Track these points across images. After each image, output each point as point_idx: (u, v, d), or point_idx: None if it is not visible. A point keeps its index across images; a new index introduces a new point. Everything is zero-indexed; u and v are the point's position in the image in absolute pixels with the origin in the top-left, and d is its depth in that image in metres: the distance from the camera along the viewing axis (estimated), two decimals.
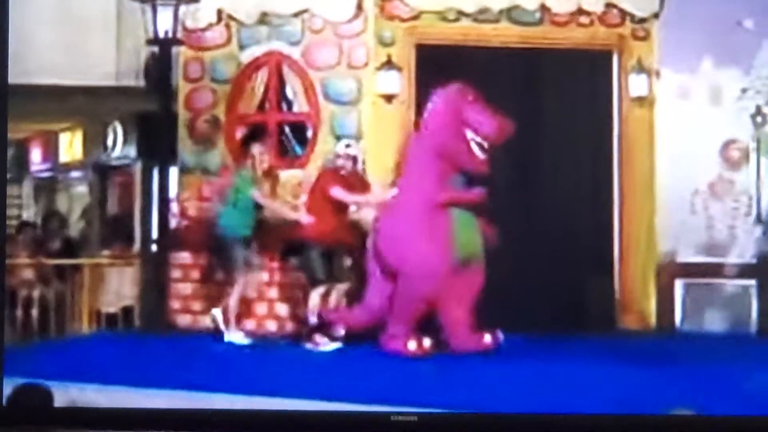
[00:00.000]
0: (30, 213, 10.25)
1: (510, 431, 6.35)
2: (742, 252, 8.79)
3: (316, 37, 8.78)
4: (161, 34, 8.64)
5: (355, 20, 8.70)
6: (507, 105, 8.06)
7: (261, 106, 8.97)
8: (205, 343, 8.35)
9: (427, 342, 7.89)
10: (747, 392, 6.79)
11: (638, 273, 8.90)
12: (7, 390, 6.32)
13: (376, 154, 8.48)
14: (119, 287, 9.16)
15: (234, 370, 7.67)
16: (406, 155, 8.17)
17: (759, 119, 8.77)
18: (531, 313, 8.24)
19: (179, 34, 8.76)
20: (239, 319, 8.45)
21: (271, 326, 8.70)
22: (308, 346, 8.17)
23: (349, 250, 8.30)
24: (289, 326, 8.61)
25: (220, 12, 8.98)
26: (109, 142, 9.90)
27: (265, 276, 8.62)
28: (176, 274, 8.90)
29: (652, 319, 8.88)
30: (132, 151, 9.59)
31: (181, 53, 8.99)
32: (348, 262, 8.33)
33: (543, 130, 8.67)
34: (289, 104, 8.98)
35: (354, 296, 8.24)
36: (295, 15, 8.79)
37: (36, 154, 10.72)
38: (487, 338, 7.97)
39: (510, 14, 8.76)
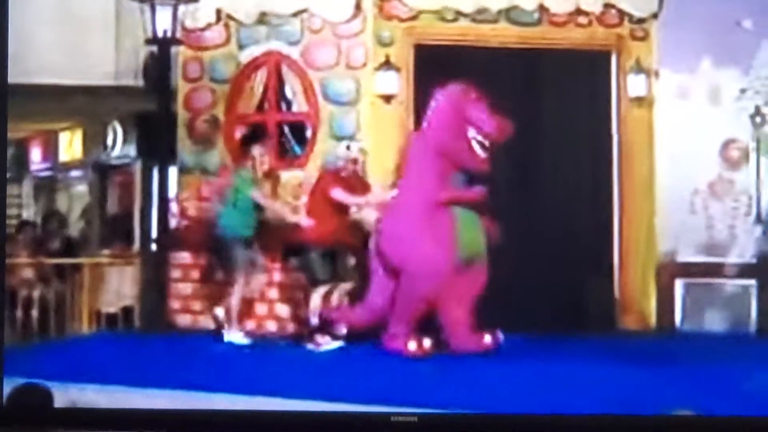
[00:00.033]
0: (30, 212, 10.25)
1: (510, 431, 6.35)
2: (742, 252, 8.78)
3: (315, 37, 8.77)
4: (160, 34, 8.64)
5: (353, 20, 8.70)
6: (506, 105, 8.04)
7: (260, 106, 8.97)
8: (205, 343, 8.35)
9: (427, 342, 7.88)
10: (747, 392, 6.78)
11: (638, 273, 8.90)
12: (7, 390, 6.32)
13: (375, 155, 8.47)
14: (119, 287, 9.16)
15: (234, 370, 7.67)
16: (408, 154, 8.18)
17: (758, 119, 8.76)
18: (531, 313, 8.24)
19: (178, 34, 8.76)
20: (240, 319, 8.45)
21: (272, 326, 8.69)
22: (309, 346, 8.17)
23: (351, 250, 8.30)
24: (290, 327, 8.61)
25: (219, 12, 8.98)
26: (109, 141, 9.90)
27: (265, 276, 8.62)
28: (176, 273, 8.90)
29: (652, 319, 8.87)
30: (131, 150, 9.60)
31: (181, 53, 8.99)
32: (351, 262, 8.34)
33: (542, 130, 8.66)
34: (288, 104, 8.98)
35: (356, 296, 8.24)
36: (294, 15, 8.79)
37: (36, 154, 10.73)
38: (487, 338, 7.97)
39: (508, 14, 8.75)
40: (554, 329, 8.14)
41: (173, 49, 8.77)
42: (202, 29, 8.98)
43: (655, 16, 8.81)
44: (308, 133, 8.84)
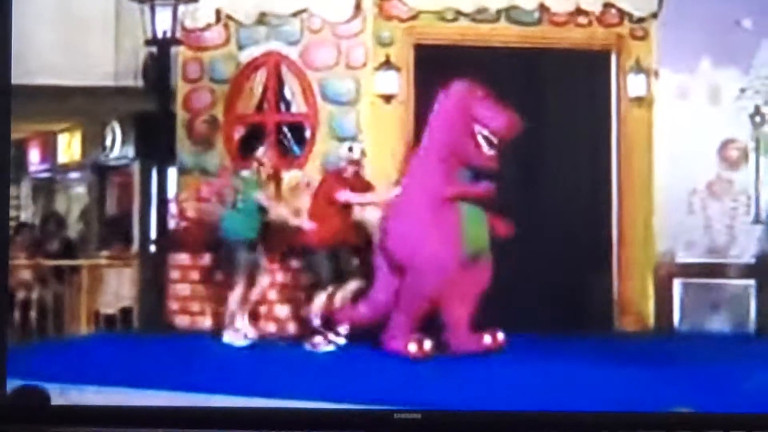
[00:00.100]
0: (28, 214, 10.21)
1: (513, 429, 6.35)
2: (741, 252, 8.78)
3: (315, 37, 8.78)
4: (160, 35, 8.64)
5: (353, 20, 8.70)
6: (505, 105, 8.07)
7: (259, 107, 8.97)
8: (205, 344, 8.35)
9: (427, 344, 7.89)
10: (746, 392, 6.79)
11: (636, 273, 8.90)
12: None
13: (374, 155, 8.48)
14: (118, 288, 9.14)
15: (233, 371, 7.67)
16: (413, 152, 8.19)
17: (758, 119, 8.77)
18: (528, 313, 8.24)
19: (178, 34, 8.76)
20: (241, 320, 8.44)
21: (271, 328, 8.69)
22: (308, 346, 8.17)
23: (354, 250, 8.31)
24: (290, 327, 8.61)
25: (218, 12, 8.97)
26: (108, 142, 9.88)
27: (268, 278, 8.61)
28: (175, 274, 8.89)
29: (651, 320, 8.87)
30: (130, 151, 9.58)
31: (180, 53, 8.97)
32: (354, 262, 8.34)
33: (541, 130, 8.65)
34: (288, 105, 8.98)
35: (360, 295, 8.23)
36: (294, 15, 8.79)
37: (34, 155, 10.69)
38: (487, 339, 7.98)
39: (508, 14, 8.76)
40: (552, 329, 8.14)
41: (173, 50, 8.77)
42: (202, 29, 8.97)
43: (654, 15, 8.82)
44: (307, 134, 8.85)
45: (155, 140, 8.83)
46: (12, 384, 6.48)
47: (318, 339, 8.17)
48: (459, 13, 8.71)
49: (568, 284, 8.58)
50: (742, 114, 8.74)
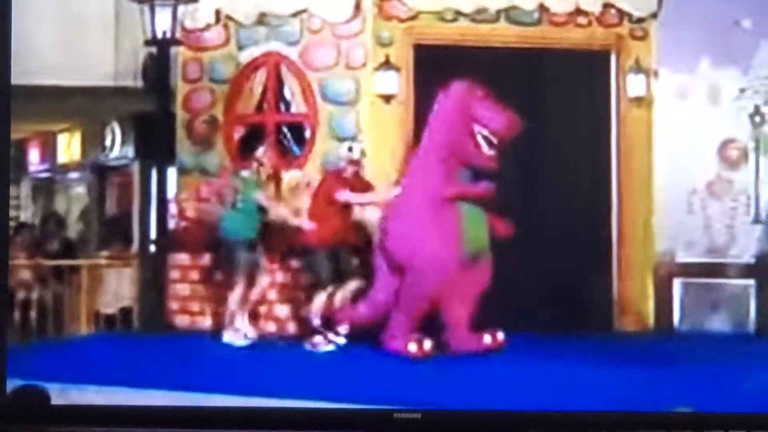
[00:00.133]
0: (28, 214, 10.21)
1: (513, 429, 6.35)
2: (741, 252, 8.79)
3: (315, 38, 8.78)
4: (159, 35, 8.64)
5: (353, 20, 8.70)
6: (505, 105, 8.07)
7: (259, 107, 8.97)
8: (204, 344, 8.35)
9: (427, 344, 7.89)
10: (746, 392, 6.79)
11: (636, 273, 8.90)
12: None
13: (374, 155, 8.48)
14: (117, 288, 9.14)
15: (233, 371, 7.66)
16: (413, 152, 8.19)
17: (757, 119, 8.77)
18: (528, 313, 8.24)
19: (178, 35, 8.76)
20: (240, 320, 8.45)
21: (271, 328, 8.69)
22: (308, 346, 8.17)
23: (354, 250, 8.31)
24: (290, 327, 8.61)
25: (218, 12, 8.97)
26: (108, 142, 9.88)
27: (268, 279, 8.61)
28: (175, 274, 8.89)
29: (650, 320, 8.87)
30: (130, 151, 9.58)
31: (180, 53, 8.97)
32: (354, 262, 8.34)
33: (541, 130, 8.65)
34: (287, 105, 8.98)
35: (360, 296, 8.23)
36: (294, 15, 8.80)
37: (34, 155, 10.69)
38: (487, 339, 7.98)
39: (508, 14, 8.76)
40: (552, 329, 8.14)
41: (173, 50, 8.77)
42: (202, 30, 8.97)
43: (654, 15, 8.82)
44: (307, 134, 8.85)
45: (155, 140, 8.83)
46: (12, 384, 6.48)
47: (318, 339, 8.17)
48: (458, 14, 8.71)
49: (568, 284, 8.58)
50: (741, 114, 8.74)
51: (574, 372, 7.27)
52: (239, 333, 8.38)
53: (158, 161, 8.81)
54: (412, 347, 7.86)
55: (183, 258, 8.92)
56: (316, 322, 8.19)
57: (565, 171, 8.80)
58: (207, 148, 9.03)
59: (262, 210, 8.45)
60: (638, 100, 8.88)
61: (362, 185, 8.32)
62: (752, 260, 8.73)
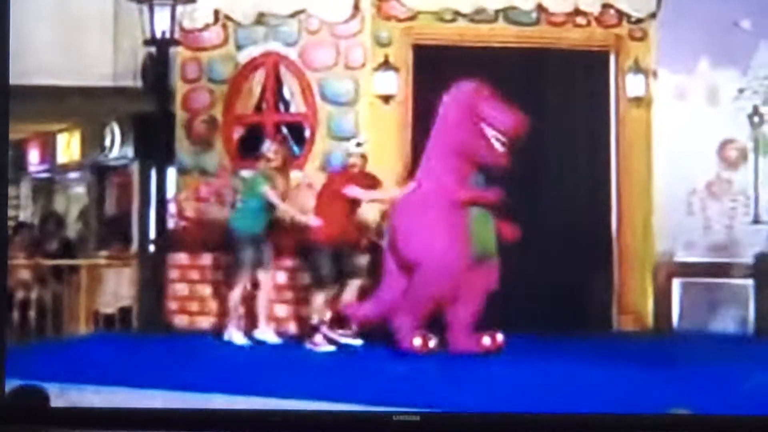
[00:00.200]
0: (27, 214, 10.24)
1: (512, 430, 6.34)
2: (740, 252, 8.79)
3: (313, 38, 8.78)
4: (158, 35, 8.64)
5: (352, 21, 8.70)
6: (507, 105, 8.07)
7: (258, 107, 8.97)
8: (204, 344, 8.35)
9: (432, 342, 7.90)
10: (745, 392, 6.78)
11: (636, 273, 8.91)
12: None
13: (374, 155, 8.46)
14: (117, 288, 9.15)
15: (234, 371, 7.65)
16: (422, 152, 8.16)
17: (756, 119, 8.77)
18: (528, 313, 8.25)
19: (176, 35, 8.75)
20: (240, 319, 8.46)
21: (271, 327, 8.68)
22: (308, 346, 8.17)
23: (360, 248, 8.30)
24: (290, 327, 8.61)
25: (217, 12, 8.98)
26: (107, 142, 9.90)
27: (268, 277, 8.59)
28: (174, 274, 8.89)
29: (650, 320, 8.88)
30: (129, 151, 9.60)
31: (179, 54, 8.98)
32: (361, 260, 8.33)
33: (540, 131, 8.64)
34: (287, 105, 8.98)
35: (367, 293, 8.23)
36: (292, 15, 8.79)
37: (33, 155, 10.72)
38: (486, 340, 7.97)
39: (506, 14, 8.76)
40: (552, 330, 8.14)
41: (171, 50, 8.76)
42: (200, 30, 8.98)
43: (653, 16, 8.83)
44: (306, 134, 8.84)
45: (154, 140, 8.83)
46: (11, 384, 6.47)
47: (318, 339, 8.16)
48: (457, 14, 8.71)
49: (568, 285, 8.59)
50: (740, 114, 8.75)
51: (574, 373, 7.25)
52: (239, 333, 8.35)
53: (157, 161, 8.81)
54: (417, 341, 7.87)
55: (182, 258, 8.92)
56: (317, 321, 8.17)
57: (565, 171, 8.81)
58: (206, 148, 9.03)
59: (269, 207, 8.40)
60: (637, 101, 8.88)
61: (370, 181, 8.27)
62: (752, 260, 8.73)
